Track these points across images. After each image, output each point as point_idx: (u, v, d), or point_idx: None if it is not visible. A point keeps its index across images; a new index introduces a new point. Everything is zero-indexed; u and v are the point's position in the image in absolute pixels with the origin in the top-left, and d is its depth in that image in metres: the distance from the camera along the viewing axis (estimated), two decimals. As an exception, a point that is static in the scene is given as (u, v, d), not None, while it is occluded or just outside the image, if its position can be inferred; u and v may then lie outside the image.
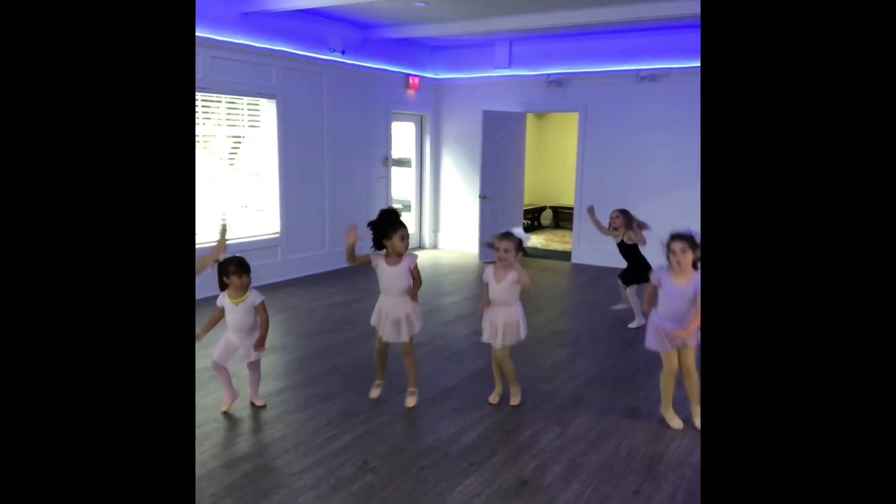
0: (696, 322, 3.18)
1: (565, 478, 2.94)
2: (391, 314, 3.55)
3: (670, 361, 3.38)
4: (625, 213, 5.37)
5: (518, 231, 3.52)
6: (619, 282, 5.60)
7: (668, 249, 3.25)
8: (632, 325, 5.38)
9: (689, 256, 3.19)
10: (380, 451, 3.14)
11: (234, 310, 3.45)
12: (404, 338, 3.58)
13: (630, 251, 5.35)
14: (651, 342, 3.40)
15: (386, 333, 3.58)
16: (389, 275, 3.50)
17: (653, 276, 3.41)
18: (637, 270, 5.28)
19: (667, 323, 3.31)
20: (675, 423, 3.44)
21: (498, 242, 3.46)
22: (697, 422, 3.42)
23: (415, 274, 3.55)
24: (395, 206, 8.95)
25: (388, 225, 3.45)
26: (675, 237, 3.25)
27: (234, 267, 3.41)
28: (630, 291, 5.45)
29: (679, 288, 3.22)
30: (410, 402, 3.68)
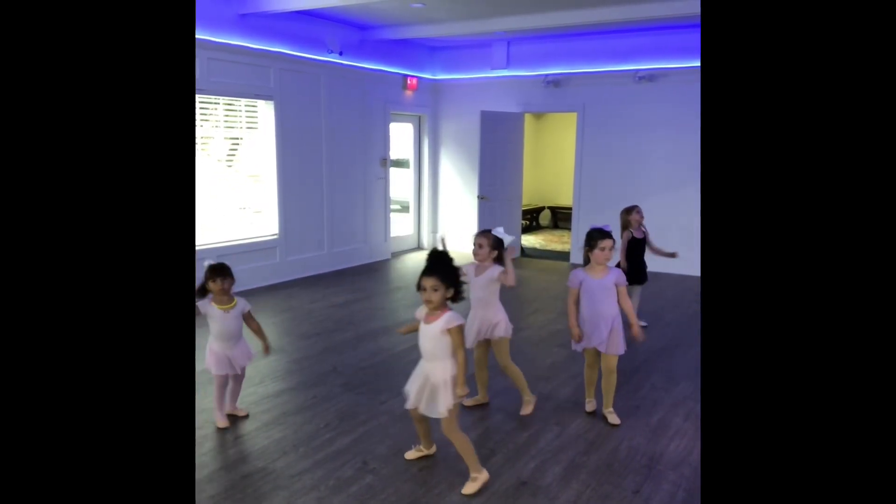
0: (633, 317, 3.44)
1: (565, 478, 2.94)
2: (430, 378, 2.77)
3: (590, 357, 3.57)
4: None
5: (499, 230, 3.53)
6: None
7: (594, 246, 3.37)
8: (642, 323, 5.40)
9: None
10: (379, 453, 3.14)
11: (223, 317, 3.34)
12: (442, 410, 2.75)
13: (640, 248, 5.33)
14: (576, 344, 3.52)
15: (421, 404, 2.81)
16: (425, 334, 2.78)
17: (572, 280, 3.44)
18: (639, 269, 5.26)
19: (587, 321, 3.41)
20: (590, 406, 3.65)
21: (474, 238, 3.56)
22: (611, 418, 3.53)
23: (454, 337, 2.69)
24: (394, 205, 9.01)
25: (427, 267, 2.78)
26: (604, 234, 3.37)
27: (209, 272, 3.34)
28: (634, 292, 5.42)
29: (598, 280, 3.38)
30: (469, 488, 2.80)
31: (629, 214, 5.37)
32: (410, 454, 3.10)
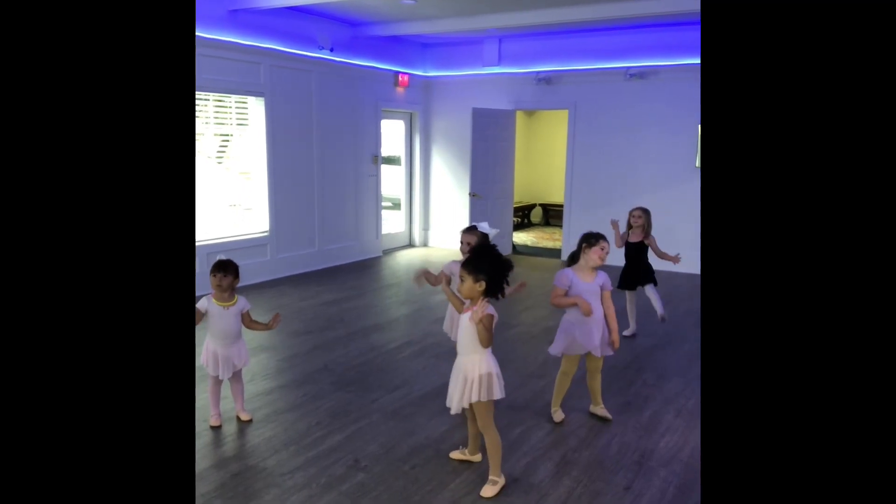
0: (615, 323, 3.39)
1: (556, 474, 2.94)
2: (467, 375, 2.73)
3: (572, 365, 3.47)
4: (647, 213, 5.09)
5: (483, 226, 3.49)
6: (627, 292, 5.19)
7: (593, 244, 3.33)
8: (626, 332, 5.08)
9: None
10: (371, 450, 3.14)
11: (221, 314, 3.28)
12: (467, 400, 2.73)
13: (641, 252, 5.11)
14: (558, 347, 3.45)
15: (453, 401, 2.78)
16: (460, 325, 2.79)
17: (561, 280, 3.36)
18: (644, 270, 5.07)
19: (579, 325, 3.35)
20: (558, 416, 3.53)
21: (461, 236, 3.53)
22: (602, 414, 3.55)
23: (483, 326, 2.65)
24: (385, 203, 8.97)
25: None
26: (603, 236, 3.36)
27: (212, 267, 3.29)
28: (630, 296, 5.21)
29: (588, 283, 3.34)
30: (487, 491, 2.76)
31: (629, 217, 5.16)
32: (455, 454, 3.08)
